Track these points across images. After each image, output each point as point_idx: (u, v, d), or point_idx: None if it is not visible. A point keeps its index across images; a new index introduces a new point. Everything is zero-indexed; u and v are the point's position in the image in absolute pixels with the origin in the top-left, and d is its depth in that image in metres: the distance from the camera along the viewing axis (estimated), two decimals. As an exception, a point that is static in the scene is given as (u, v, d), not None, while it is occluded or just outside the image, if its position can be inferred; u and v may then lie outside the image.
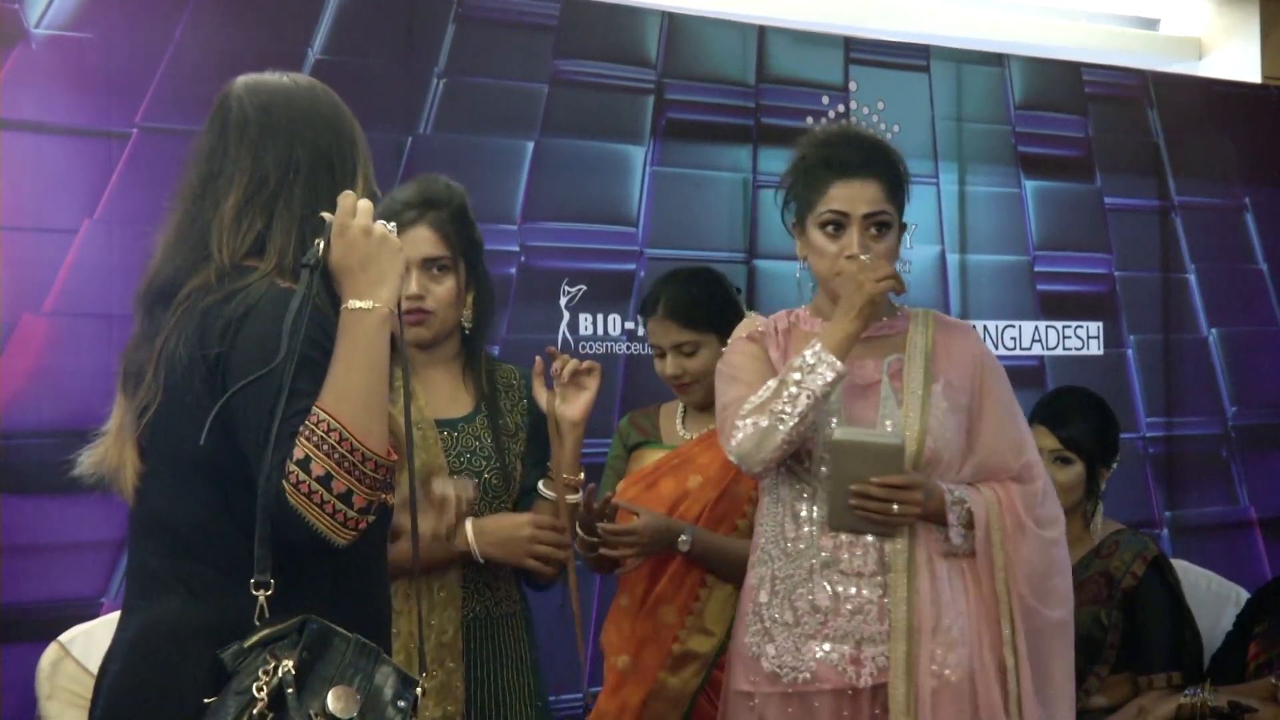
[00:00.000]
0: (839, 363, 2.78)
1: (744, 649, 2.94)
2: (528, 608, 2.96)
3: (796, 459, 2.88)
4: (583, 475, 2.88)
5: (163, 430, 2.07)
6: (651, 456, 3.42)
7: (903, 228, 2.98)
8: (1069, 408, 3.79)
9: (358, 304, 1.99)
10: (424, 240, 2.81)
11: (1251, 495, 5.52)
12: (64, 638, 3.43)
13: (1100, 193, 5.33)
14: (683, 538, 3.24)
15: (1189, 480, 5.42)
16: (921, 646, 2.81)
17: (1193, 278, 5.49)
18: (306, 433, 1.91)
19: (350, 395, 1.94)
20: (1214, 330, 5.49)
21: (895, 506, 2.80)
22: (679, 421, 3.47)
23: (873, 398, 2.90)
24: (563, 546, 2.83)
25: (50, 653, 3.42)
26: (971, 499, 2.86)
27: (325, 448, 1.91)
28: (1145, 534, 3.95)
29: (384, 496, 2.00)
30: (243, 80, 2.20)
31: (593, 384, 2.86)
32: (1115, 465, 3.83)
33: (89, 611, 3.50)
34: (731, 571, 3.22)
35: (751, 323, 3.05)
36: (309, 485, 1.90)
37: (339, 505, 1.92)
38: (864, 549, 2.85)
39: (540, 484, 2.86)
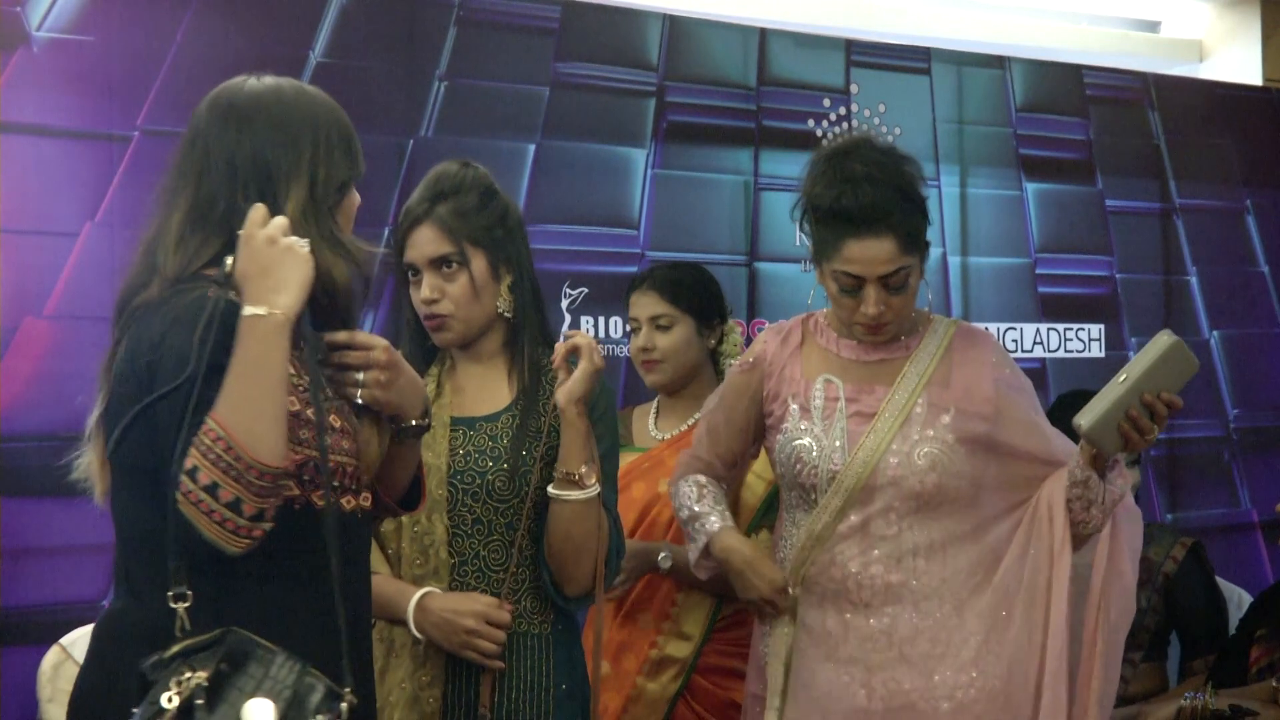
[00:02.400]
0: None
1: (759, 658, 2.94)
2: (569, 629, 2.70)
3: (804, 491, 2.86)
4: (585, 470, 2.55)
5: (110, 436, 2.08)
6: (622, 460, 3.42)
7: (926, 248, 2.87)
8: None
9: (253, 310, 1.95)
10: (426, 240, 2.62)
11: (1253, 498, 5.51)
12: (65, 640, 3.43)
13: (1101, 195, 5.32)
14: (662, 555, 3.26)
15: (1190, 482, 5.42)
16: (881, 669, 2.78)
17: (1194, 280, 5.49)
18: (197, 442, 1.90)
19: (239, 403, 1.91)
20: (1215, 333, 5.49)
21: (1155, 432, 2.70)
22: (651, 423, 3.49)
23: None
24: (502, 644, 2.56)
25: (51, 655, 3.42)
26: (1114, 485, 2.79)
27: (212, 457, 1.89)
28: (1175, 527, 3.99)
29: (297, 497, 1.99)
30: (215, 89, 2.17)
31: (583, 365, 2.54)
32: None
33: (90, 614, 3.49)
34: (712, 584, 3.22)
35: (759, 344, 2.99)
36: (196, 494, 1.89)
37: (227, 514, 1.90)
38: (871, 581, 2.81)
39: (550, 488, 2.58)
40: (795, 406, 2.87)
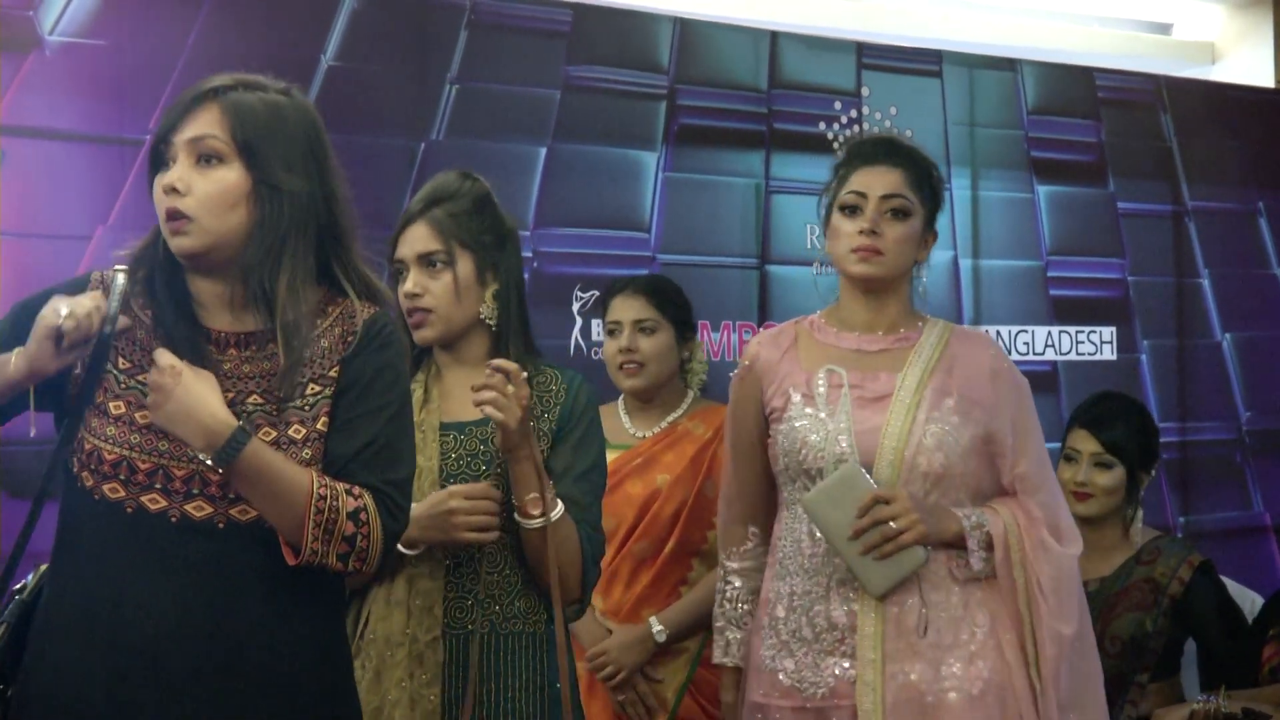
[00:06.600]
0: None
1: (760, 662, 2.92)
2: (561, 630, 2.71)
3: (808, 477, 2.87)
4: (529, 500, 2.57)
5: None
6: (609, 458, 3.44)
7: (928, 226, 3.02)
8: (1111, 412, 3.77)
9: None
10: (418, 237, 2.70)
11: (1266, 500, 5.50)
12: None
13: (1113, 197, 5.32)
14: (657, 629, 3.29)
15: (1203, 485, 5.41)
16: (891, 660, 2.79)
17: (1206, 282, 5.48)
18: None
19: None
20: (1227, 335, 5.48)
21: (891, 524, 2.77)
22: (624, 419, 3.52)
23: (883, 409, 2.87)
24: (494, 514, 2.59)
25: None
26: (990, 522, 2.84)
27: None
28: (1186, 540, 3.95)
29: None
30: None
31: (505, 412, 2.55)
32: (1155, 471, 3.82)
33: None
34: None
35: (750, 351, 3.03)
36: None
37: None
38: None
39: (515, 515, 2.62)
40: (798, 396, 2.90)
